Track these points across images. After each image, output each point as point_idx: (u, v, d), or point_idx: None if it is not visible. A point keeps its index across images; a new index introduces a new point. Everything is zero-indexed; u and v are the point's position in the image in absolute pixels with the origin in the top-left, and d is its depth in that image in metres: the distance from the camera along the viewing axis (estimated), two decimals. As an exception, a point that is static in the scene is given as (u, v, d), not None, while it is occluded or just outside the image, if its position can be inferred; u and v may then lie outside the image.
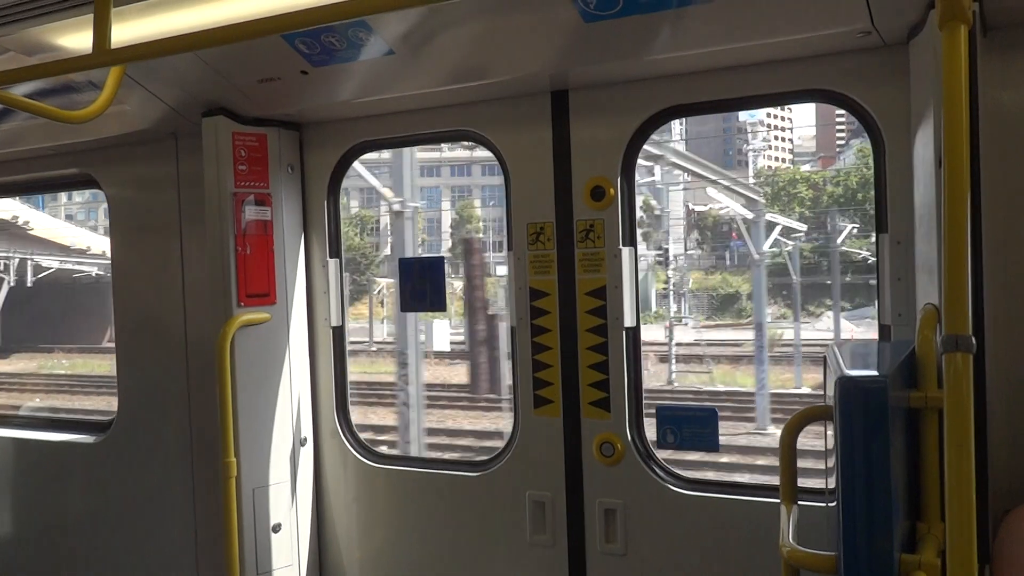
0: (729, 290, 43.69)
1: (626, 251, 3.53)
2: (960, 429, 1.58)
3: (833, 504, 2.11)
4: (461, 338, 30.74)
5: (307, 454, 4.21)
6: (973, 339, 1.59)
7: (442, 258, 4.16)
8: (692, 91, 3.37)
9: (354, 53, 3.40)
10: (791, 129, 76.59)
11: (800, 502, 2.54)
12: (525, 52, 3.27)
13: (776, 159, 72.89)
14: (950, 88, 1.66)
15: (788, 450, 2.53)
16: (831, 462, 2.26)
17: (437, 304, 4.08)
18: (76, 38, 3.46)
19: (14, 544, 5.20)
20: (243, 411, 3.91)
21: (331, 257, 4.21)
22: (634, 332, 3.58)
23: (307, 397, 4.23)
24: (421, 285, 4.06)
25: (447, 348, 29.08)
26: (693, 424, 3.49)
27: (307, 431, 4.22)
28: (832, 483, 2.19)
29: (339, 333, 4.26)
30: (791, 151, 76.71)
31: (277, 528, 4.04)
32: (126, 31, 3.10)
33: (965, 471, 1.56)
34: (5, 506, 5.23)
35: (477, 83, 3.46)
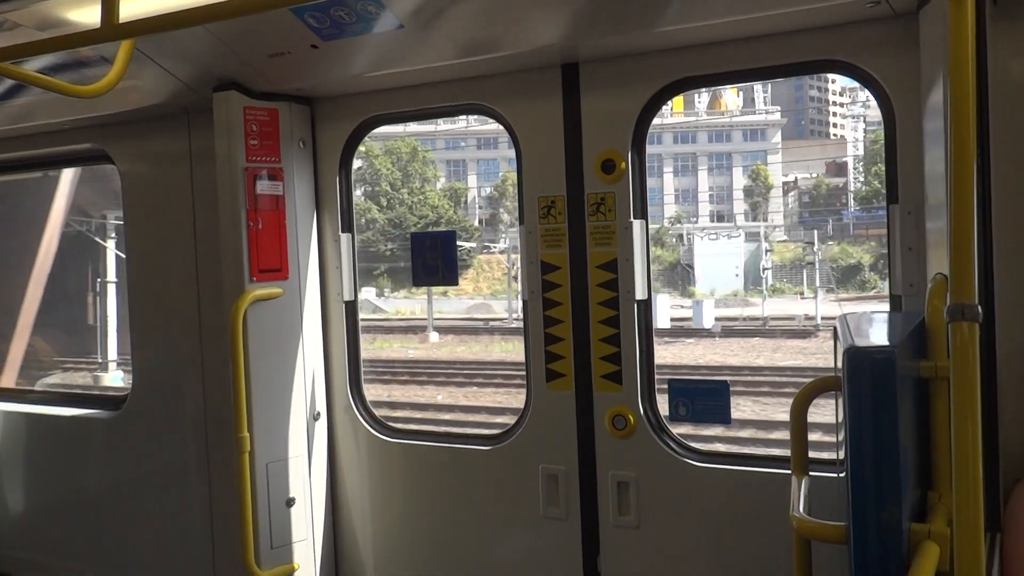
0: (851, 261, 43.62)
1: (637, 224, 3.52)
2: (966, 398, 1.57)
3: (844, 475, 2.11)
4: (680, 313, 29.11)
5: (321, 429, 4.24)
6: (979, 308, 1.58)
7: (454, 231, 4.15)
8: (703, 63, 3.34)
9: (364, 27, 3.38)
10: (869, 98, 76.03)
11: (813, 473, 2.55)
12: (535, 25, 3.24)
13: (854, 129, 72.29)
14: (957, 56, 1.64)
15: (798, 421, 2.54)
16: (842, 433, 2.26)
17: (448, 279, 4.08)
18: (86, 12, 3.47)
19: (31, 517, 5.27)
20: (256, 386, 3.94)
21: (343, 232, 4.21)
22: (646, 305, 3.57)
23: (320, 372, 4.25)
24: (433, 259, 4.06)
25: (667, 325, 27.35)
26: (705, 397, 3.48)
27: (321, 406, 4.24)
28: (843, 454, 2.19)
29: (351, 308, 4.28)
30: (864, 119, 76.24)
31: (291, 502, 4.07)
32: (136, 5, 3.09)
33: (971, 440, 1.56)
34: (22, 480, 5.30)
35: (487, 56, 3.45)
